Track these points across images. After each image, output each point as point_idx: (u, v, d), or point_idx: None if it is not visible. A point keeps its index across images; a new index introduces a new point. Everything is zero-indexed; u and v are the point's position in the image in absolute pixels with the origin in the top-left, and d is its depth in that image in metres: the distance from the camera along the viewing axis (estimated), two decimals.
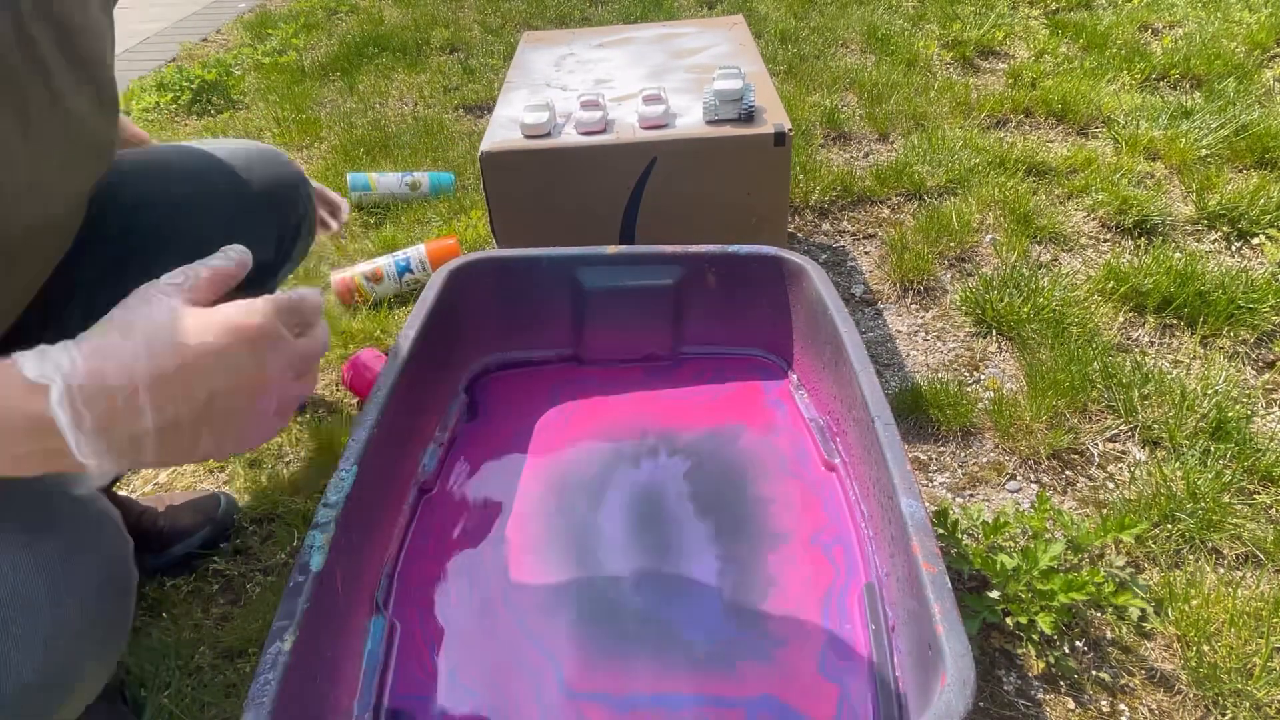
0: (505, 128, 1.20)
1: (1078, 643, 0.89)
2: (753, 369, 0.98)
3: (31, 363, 0.41)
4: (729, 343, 0.99)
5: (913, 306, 1.43)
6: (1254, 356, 1.27)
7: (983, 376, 1.27)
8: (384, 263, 1.50)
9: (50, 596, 0.52)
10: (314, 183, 1.01)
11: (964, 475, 1.11)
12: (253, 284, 0.88)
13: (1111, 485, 1.08)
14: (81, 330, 0.44)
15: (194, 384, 0.44)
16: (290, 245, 0.91)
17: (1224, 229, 1.55)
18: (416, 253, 1.51)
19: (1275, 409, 1.18)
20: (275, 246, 0.88)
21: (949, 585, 0.56)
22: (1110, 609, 0.91)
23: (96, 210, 0.80)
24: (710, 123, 1.16)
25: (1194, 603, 0.90)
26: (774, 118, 1.15)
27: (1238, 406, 1.16)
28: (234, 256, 0.49)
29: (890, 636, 0.67)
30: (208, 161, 0.85)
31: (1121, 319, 1.35)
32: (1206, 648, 0.86)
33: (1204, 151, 1.74)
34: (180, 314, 0.44)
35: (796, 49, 2.39)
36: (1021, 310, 1.34)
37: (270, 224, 0.87)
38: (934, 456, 1.14)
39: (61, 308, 0.75)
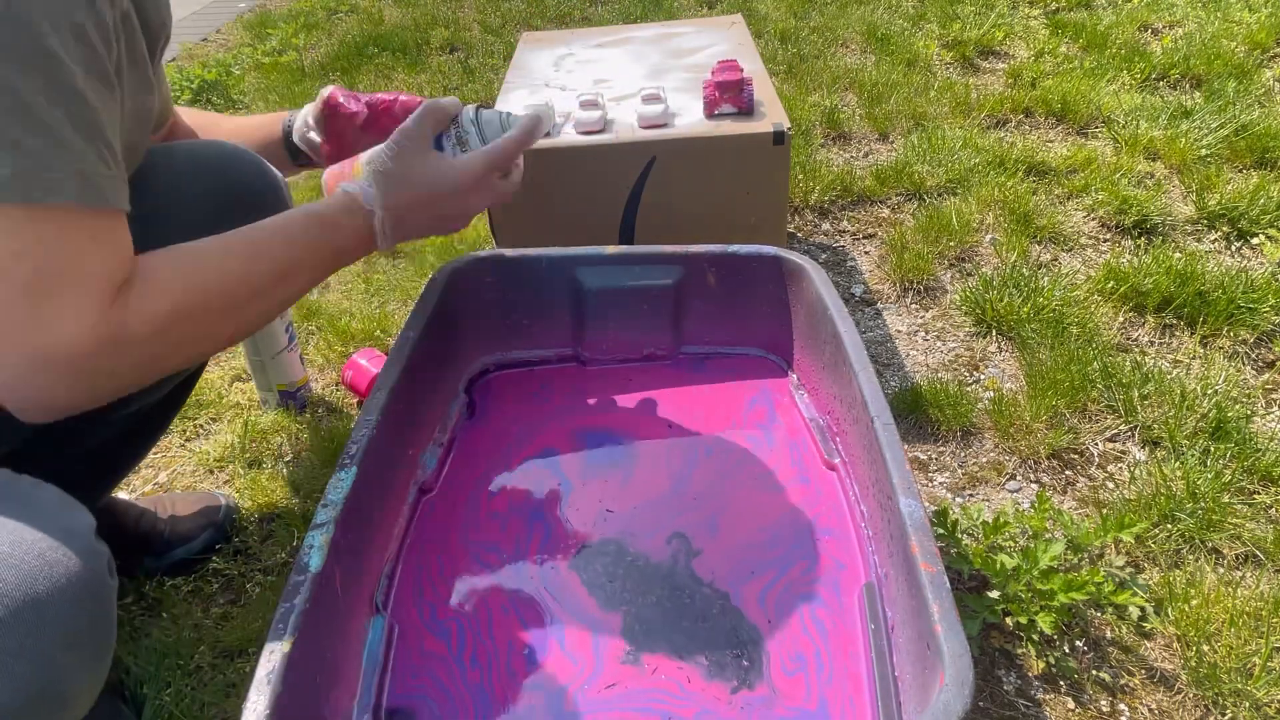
0: None
1: (1078, 643, 0.89)
2: (753, 369, 0.99)
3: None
4: (729, 342, 1.00)
5: (913, 306, 1.43)
6: (1254, 356, 1.27)
7: (982, 376, 1.27)
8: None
9: (19, 613, 0.50)
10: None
11: (964, 475, 1.11)
12: None
13: (1111, 485, 1.08)
14: None
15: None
16: None
17: (1224, 229, 1.55)
18: None
19: (1275, 409, 1.18)
20: None
21: (947, 585, 0.56)
22: (1110, 609, 0.91)
23: None
24: (711, 119, 1.14)
25: (1194, 603, 0.90)
26: (773, 117, 1.15)
27: (1237, 406, 1.16)
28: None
29: (889, 636, 0.67)
30: (188, 165, 0.83)
31: (1121, 319, 1.35)
32: (1206, 647, 0.86)
33: (1204, 151, 1.74)
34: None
35: (796, 49, 2.39)
36: (1021, 310, 1.34)
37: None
38: (934, 456, 1.14)
39: None
